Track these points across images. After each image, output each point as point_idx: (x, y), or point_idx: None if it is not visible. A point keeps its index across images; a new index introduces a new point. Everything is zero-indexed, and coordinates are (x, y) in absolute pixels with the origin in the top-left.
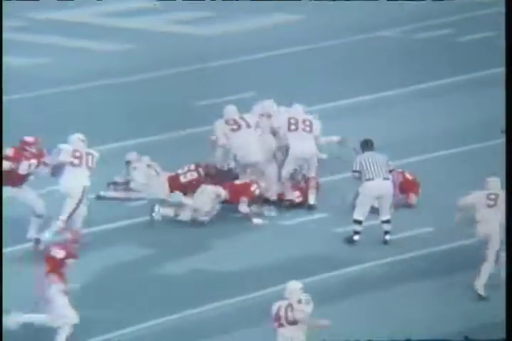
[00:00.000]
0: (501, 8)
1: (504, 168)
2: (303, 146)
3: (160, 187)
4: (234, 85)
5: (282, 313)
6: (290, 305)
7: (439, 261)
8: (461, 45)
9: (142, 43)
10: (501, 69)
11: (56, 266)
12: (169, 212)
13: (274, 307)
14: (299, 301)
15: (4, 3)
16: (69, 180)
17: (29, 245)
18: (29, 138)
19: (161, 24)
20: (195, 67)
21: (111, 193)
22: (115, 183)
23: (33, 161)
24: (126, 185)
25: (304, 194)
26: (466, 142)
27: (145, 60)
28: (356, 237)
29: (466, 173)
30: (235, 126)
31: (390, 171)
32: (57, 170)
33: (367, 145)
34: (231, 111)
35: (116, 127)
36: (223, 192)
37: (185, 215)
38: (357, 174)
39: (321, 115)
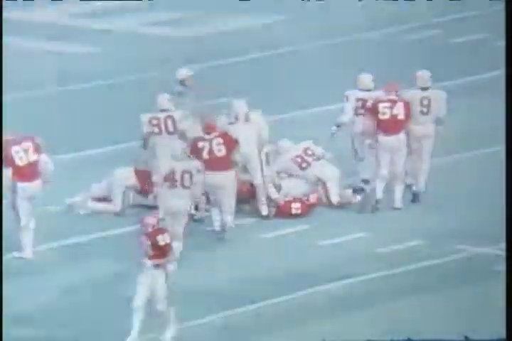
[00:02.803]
0: (492, 9)
1: (504, 176)
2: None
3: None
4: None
5: None
6: None
7: (429, 275)
8: (454, 46)
9: (111, 45)
10: (497, 73)
11: None
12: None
13: None
14: None
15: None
16: (160, 154)
17: None
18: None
19: (133, 25)
20: (168, 71)
21: (96, 205)
22: (94, 198)
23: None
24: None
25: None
26: (462, 149)
27: (113, 63)
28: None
29: (462, 182)
30: None
31: None
32: (145, 142)
33: None
34: None
35: (82, 133)
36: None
37: None
38: None
39: (300, 121)
